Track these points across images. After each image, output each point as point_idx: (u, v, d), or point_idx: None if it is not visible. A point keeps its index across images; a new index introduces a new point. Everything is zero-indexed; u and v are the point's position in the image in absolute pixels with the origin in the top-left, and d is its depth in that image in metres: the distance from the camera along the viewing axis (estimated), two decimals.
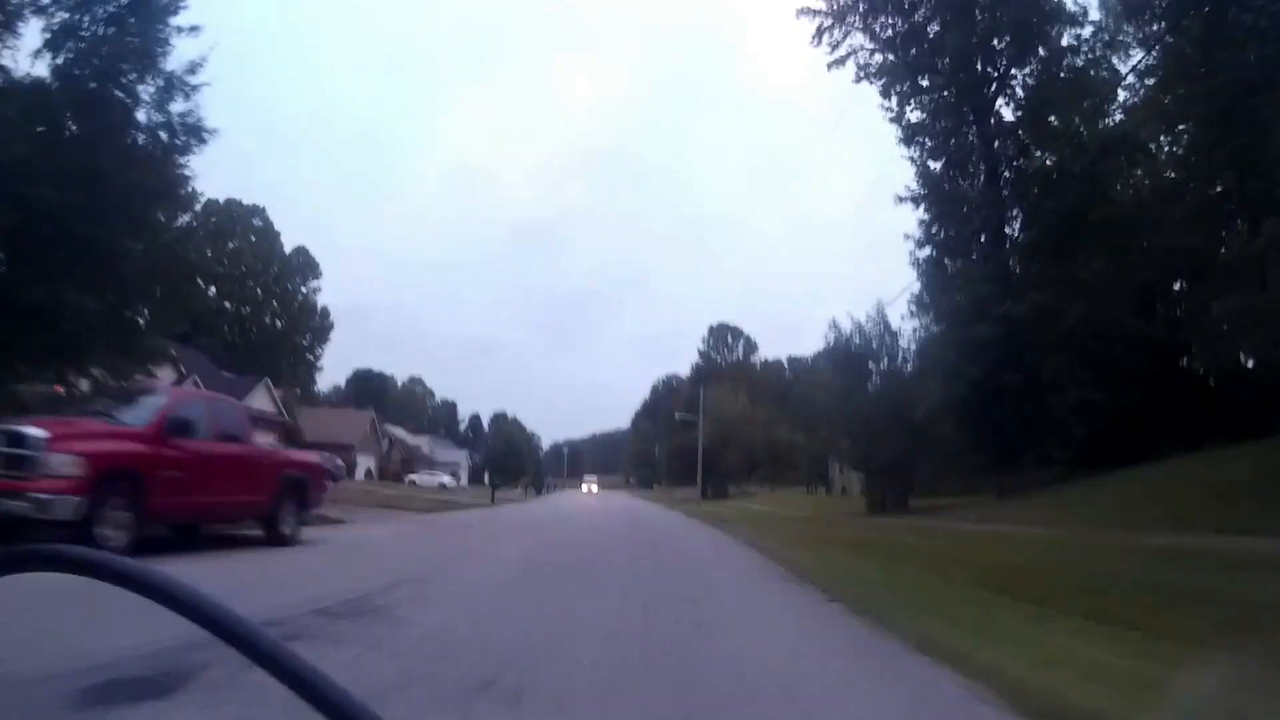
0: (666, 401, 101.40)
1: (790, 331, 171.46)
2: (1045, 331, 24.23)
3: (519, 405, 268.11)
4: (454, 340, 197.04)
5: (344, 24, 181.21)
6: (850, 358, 31.99)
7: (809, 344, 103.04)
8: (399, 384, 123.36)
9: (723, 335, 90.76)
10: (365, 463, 60.48)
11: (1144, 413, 27.91)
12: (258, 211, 76.22)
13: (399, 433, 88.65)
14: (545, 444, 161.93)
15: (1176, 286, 31.42)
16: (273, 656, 0.64)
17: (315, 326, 75.85)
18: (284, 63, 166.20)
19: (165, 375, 44.15)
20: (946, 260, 28.77)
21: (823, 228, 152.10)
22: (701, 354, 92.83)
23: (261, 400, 46.96)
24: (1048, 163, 25.47)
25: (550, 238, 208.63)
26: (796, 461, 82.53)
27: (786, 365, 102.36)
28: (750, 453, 75.50)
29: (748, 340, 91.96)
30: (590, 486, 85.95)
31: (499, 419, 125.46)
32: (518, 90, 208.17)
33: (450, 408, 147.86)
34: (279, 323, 76.07)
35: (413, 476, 60.36)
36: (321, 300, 78.08)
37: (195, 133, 13.97)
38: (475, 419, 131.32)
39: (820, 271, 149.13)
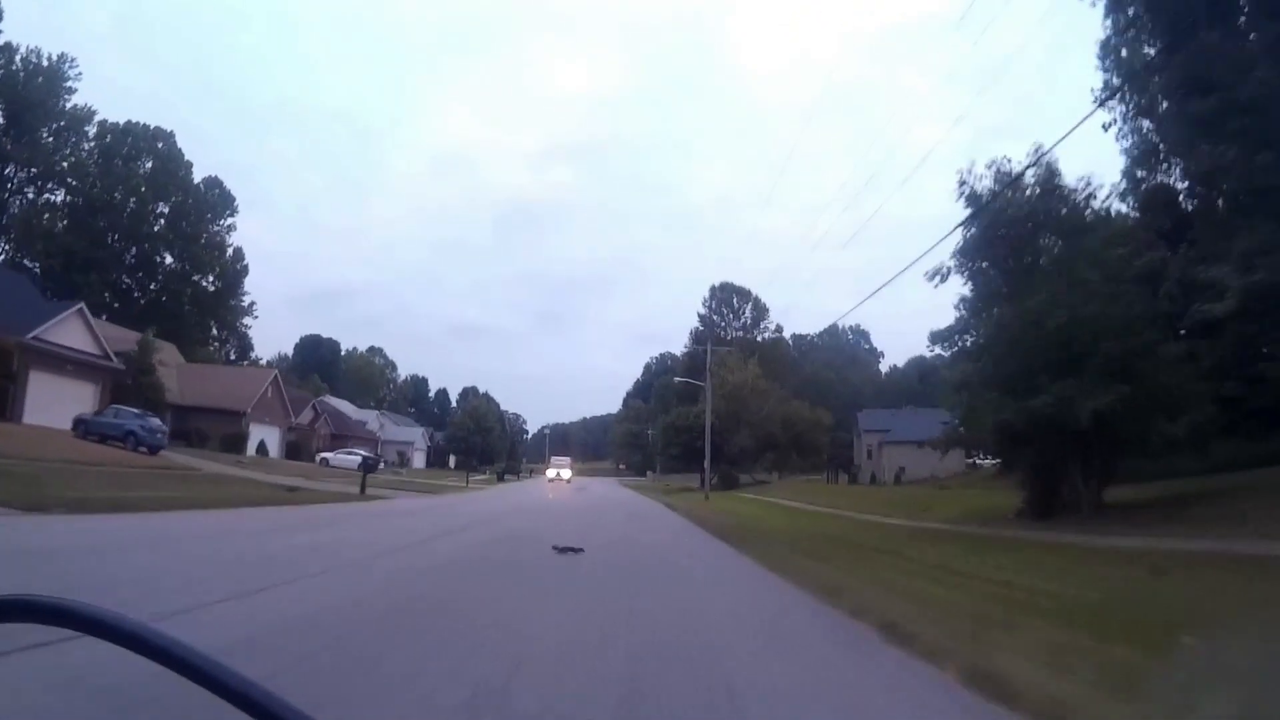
0: (661, 380, 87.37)
1: (780, 315, 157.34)
2: None
3: (508, 390, 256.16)
4: (441, 324, 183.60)
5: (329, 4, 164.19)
6: (1005, 237, 17.40)
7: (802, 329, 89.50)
8: (357, 353, 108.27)
9: (727, 296, 76.24)
10: (264, 434, 45.74)
11: None
12: (163, 136, 61.07)
13: (339, 405, 73.92)
14: (536, 428, 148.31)
15: None
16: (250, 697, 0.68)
17: (224, 268, 60.72)
18: (265, 39, 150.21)
19: None
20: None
21: (814, 212, 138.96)
22: (702, 318, 78.26)
23: (73, 334, 32.09)
24: None
25: (539, 222, 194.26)
26: (819, 443, 68.57)
27: (791, 344, 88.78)
28: (764, 432, 61.11)
29: (756, 303, 77.37)
30: (560, 472, 61.38)
31: (469, 394, 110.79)
32: (504, 72, 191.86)
33: (420, 384, 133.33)
34: (186, 264, 61.09)
35: (325, 454, 45.75)
36: (238, 241, 63.11)
37: None
38: (442, 394, 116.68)
39: (812, 257, 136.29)
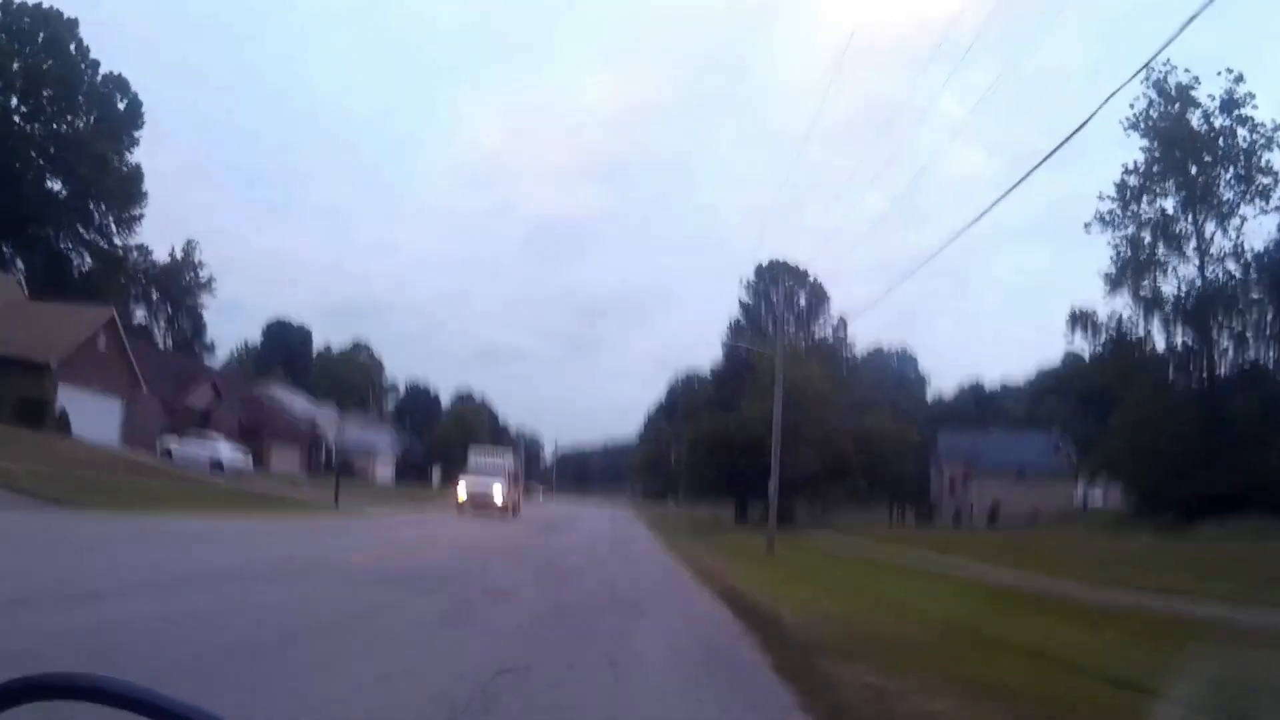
0: (687, 400, 70.94)
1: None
2: None
3: (528, 412, 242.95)
4: (464, 342, 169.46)
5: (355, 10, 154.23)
6: None
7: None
8: (334, 351, 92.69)
9: (777, 278, 59.38)
10: (86, 404, 29.85)
11: None
12: (56, 21, 46.25)
13: (283, 396, 58.20)
14: (557, 450, 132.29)
15: None
16: None
17: (116, 190, 45.10)
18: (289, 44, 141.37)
19: None
20: None
21: (852, 237, 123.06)
22: (745, 306, 61.43)
23: None
24: None
25: (567, 243, 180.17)
26: (902, 469, 51.48)
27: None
28: (832, 452, 44.07)
29: (815, 288, 60.26)
30: (492, 487, 29.39)
31: (462, 399, 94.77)
32: (536, 87, 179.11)
33: (420, 393, 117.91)
34: (73, 190, 45.80)
35: (171, 443, 29.65)
36: (139, 161, 47.68)
37: None
38: (434, 402, 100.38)
39: (851, 279, 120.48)
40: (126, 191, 44.97)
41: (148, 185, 47.28)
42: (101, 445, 26.41)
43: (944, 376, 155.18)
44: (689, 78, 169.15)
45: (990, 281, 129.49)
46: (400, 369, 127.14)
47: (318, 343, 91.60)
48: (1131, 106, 30.86)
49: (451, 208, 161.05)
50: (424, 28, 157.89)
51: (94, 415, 30.36)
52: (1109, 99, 10.34)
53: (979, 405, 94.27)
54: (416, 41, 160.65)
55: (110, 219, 45.89)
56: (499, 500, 28.35)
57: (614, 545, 18.94)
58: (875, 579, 13.93)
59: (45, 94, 44.96)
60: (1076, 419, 73.29)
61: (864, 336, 79.94)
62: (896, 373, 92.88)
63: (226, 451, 29.16)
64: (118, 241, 46.36)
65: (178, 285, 69.30)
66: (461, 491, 29.11)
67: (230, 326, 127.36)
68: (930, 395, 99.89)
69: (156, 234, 75.38)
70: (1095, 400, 74.64)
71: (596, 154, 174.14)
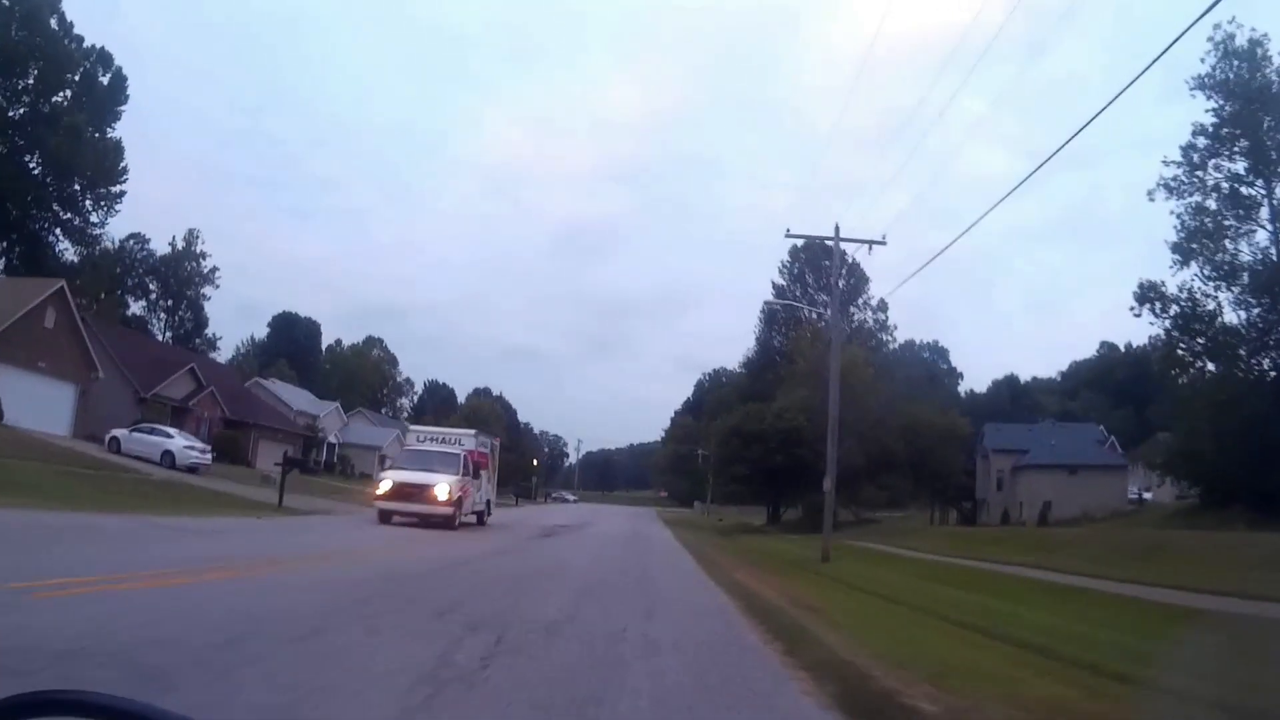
0: (715, 396, 65.96)
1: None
2: None
3: (552, 416, 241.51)
4: (488, 344, 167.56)
5: (380, 18, 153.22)
6: None
7: None
8: (346, 346, 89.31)
9: (814, 260, 54.51)
10: (30, 387, 26.11)
11: None
12: None
13: (277, 388, 54.59)
14: (583, 454, 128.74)
15: None
16: None
17: (91, 164, 41.42)
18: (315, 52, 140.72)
19: None
20: None
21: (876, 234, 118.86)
22: (779, 290, 56.56)
23: None
24: None
25: (591, 246, 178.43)
26: (951, 464, 46.85)
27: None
28: (878, 447, 39.41)
29: (854, 270, 55.28)
30: (433, 480, 17.78)
31: (479, 396, 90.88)
32: (558, 91, 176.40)
33: (438, 389, 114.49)
34: (30, 158, 42.16)
35: (118, 432, 25.83)
36: (119, 138, 44.06)
37: None
38: (451, 398, 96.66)
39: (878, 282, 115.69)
40: (104, 167, 41.36)
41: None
42: (26, 430, 22.54)
43: (974, 374, 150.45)
44: (711, 80, 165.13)
45: (1020, 277, 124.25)
46: (423, 371, 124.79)
47: (330, 339, 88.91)
48: (1203, 61, 29.22)
49: (475, 211, 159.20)
50: (448, 32, 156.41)
51: (39, 400, 26.60)
52: (1136, 79, 10.32)
53: (1014, 399, 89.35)
54: (440, 46, 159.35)
55: (88, 197, 42.31)
56: (442, 499, 17.64)
57: (627, 561, 14.06)
58: (1001, 605, 9.29)
59: (22, 69, 41.58)
60: (1114, 411, 68.35)
61: (896, 330, 76.07)
62: (929, 365, 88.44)
63: (180, 445, 25.19)
64: (94, 219, 42.70)
65: (179, 276, 66.13)
66: (384, 485, 18.45)
67: (247, 328, 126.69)
68: (963, 390, 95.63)
69: (169, 236, 73.05)
70: (1133, 391, 69.18)
71: (618, 157, 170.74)
